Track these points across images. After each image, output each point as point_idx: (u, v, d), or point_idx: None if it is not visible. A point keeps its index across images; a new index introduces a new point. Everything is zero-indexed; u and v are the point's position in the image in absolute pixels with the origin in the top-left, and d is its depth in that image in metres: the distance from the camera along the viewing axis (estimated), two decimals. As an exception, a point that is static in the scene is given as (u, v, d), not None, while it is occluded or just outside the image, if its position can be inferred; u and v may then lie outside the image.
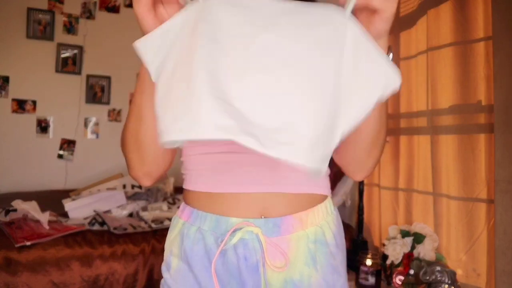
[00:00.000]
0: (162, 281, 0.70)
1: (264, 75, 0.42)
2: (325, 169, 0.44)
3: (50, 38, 3.04)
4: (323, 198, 0.69)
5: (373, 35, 0.47)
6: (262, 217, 0.63)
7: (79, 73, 3.14)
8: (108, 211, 2.04)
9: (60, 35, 3.08)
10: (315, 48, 0.42)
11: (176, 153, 0.69)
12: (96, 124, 3.22)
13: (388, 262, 1.72)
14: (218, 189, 0.65)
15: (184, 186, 0.72)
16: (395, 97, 1.97)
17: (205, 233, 0.64)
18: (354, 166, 0.68)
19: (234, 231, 0.61)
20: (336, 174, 2.21)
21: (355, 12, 0.46)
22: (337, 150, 0.60)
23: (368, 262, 1.67)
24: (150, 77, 0.52)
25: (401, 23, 1.92)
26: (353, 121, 0.45)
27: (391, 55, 0.60)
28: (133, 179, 0.71)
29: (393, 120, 1.98)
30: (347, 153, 0.64)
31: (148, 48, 0.49)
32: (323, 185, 0.70)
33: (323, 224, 0.67)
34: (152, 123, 0.58)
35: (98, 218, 1.91)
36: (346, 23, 0.43)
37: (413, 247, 1.69)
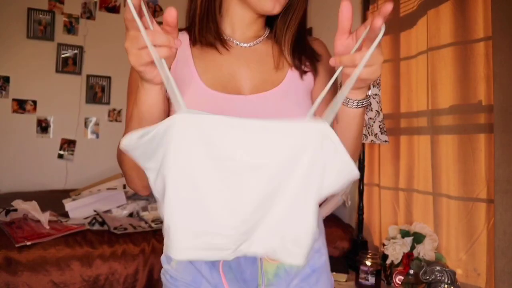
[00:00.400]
0: (163, 270, 0.77)
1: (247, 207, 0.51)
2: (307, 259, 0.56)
3: (51, 38, 3.04)
4: None
5: (357, 88, 0.58)
6: None
7: (79, 73, 3.14)
8: (108, 211, 2.05)
9: (61, 35, 3.09)
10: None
11: None
12: (96, 124, 3.22)
13: (388, 262, 1.72)
14: None
15: None
16: (395, 97, 1.97)
17: None
18: None
19: None
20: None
21: (343, 74, 0.56)
22: None
23: (368, 262, 1.67)
24: (146, 106, 0.58)
25: (401, 23, 1.92)
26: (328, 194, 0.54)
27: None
28: (133, 190, 0.76)
29: (393, 120, 1.98)
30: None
31: (133, 146, 0.49)
32: None
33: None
34: None
35: (98, 218, 1.91)
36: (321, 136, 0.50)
37: (413, 247, 1.69)
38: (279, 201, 0.51)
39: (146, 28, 0.49)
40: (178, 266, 0.75)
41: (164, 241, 0.74)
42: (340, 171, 0.51)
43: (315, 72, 0.79)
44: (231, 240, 0.51)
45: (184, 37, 0.77)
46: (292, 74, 0.77)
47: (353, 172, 0.52)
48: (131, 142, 0.48)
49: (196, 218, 0.50)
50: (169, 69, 0.51)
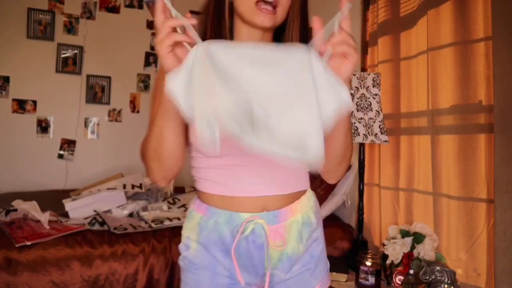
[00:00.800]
0: (181, 257, 0.89)
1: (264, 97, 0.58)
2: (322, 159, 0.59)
3: (51, 38, 3.04)
4: (304, 191, 0.91)
5: (341, 77, 0.64)
6: (264, 211, 0.83)
7: (79, 73, 3.14)
8: (108, 211, 2.05)
9: (61, 35, 3.09)
10: (297, 75, 0.60)
11: (185, 161, 0.85)
12: (96, 124, 3.22)
13: (388, 262, 1.72)
14: (229, 193, 0.84)
15: (198, 188, 0.90)
16: (396, 97, 1.97)
17: (221, 225, 0.83)
18: (328, 174, 0.90)
19: (247, 223, 0.81)
20: (336, 174, 2.20)
21: (328, 59, 0.64)
22: None
23: (368, 262, 1.67)
24: (171, 104, 0.64)
25: (402, 23, 1.92)
26: (329, 120, 0.61)
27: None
28: (151, 181, 0.86)
29: (394, 120, 1.98)
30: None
31: (177, 88, 0.60)
32: (304, 183, 0.91)
33: (307, 209, 0.89)
34: (172, 141, 0.76)
35: (98, 218, 1.91)
36: (310, 57, 0.61)
37: (413, 247, 1.69)
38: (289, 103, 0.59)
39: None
40: (196, 252, 0.86)
41: (182, 232, 0.90)
42: (329, 91, 0.60)
43: None
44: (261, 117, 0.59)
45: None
46: None
47: (342, 94, 0.61)
48: (175, 83, 0.60)
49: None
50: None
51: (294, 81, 0.59)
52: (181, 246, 0.90)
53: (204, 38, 0.78)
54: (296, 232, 0.85)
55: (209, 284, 0.84)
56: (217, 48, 0.60)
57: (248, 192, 0.84)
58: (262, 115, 0.57)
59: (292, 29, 0.85)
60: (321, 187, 2.14)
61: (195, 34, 0.64)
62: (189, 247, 0.87)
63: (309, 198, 0.91)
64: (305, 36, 0.85)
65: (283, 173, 0.86)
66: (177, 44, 0.65)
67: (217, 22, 0.83)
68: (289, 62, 0.60)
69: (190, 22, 0.65)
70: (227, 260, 0.84)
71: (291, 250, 0.85)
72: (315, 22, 0.66)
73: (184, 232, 0.90)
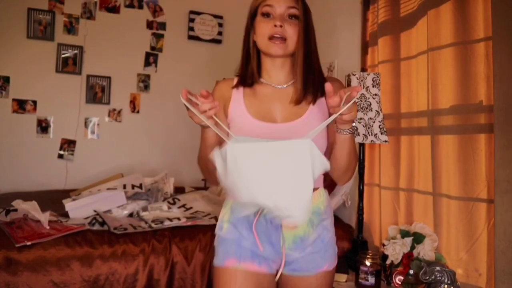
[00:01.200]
0: (216, 237, 1.10)
1: (270, 188, 0.82)
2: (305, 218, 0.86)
3: (51, 38, 3.04)
4: (317, 188, 1.10)
5: (342, 128, 0.94)
6: None
7: (79, 73, 3.14)
8: (108, 211, 2.05)
9: (61, 35, 3.09)
10: (299, 162, 0.81)
11: None
12: (97, 124, 3.22)
13: (388, 262, 1.72)
14: None
15: None
16: (396, 97, 1.97)
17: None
18: (336, 179, 1.10)
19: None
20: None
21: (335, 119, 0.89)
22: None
23: (368, 262, 1.67)
24: (210, 136, 0.99)
25: (402, 23, 1.92)
26: (315, 179, 0.84)
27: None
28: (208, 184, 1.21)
29: (394, 120, 1.98)
30: (329, 175, 1.08)
31: (217, 159, 0.83)
32: (318, 182, 1.09)
33: (318, 202, 1.07)
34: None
35: (98, 218, 1.91)
36: (308, 146, 0.81)
37: (412, 247, 1.69)
38: (290, 183, 0.82)
39: (196, 104, 0.89)
40: (227, 230, 1.06)
41: (219, 217, 1.12)
42: (320, 164, 0.83)
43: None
44: (264, 205, 0.84)
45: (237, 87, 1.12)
46: (312, 108, 1.06)
47: (327, 165, 0.84)
48: (216, 155, 0.83)
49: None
50: (217, 115, 0.91)
51: (297, 167, 0.82)
52: (216, 228, 1.11)
53: (243, 67, 1.11)
54: (307, 219, 1.02)
55: (235, 252, 1.04)
56: (239, 150, 0.83)
57: None
58: (272, 205, 0.82)
59: (297, 55, 1.05)
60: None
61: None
62: (222, 227, 1.08)
63: (321, 194, 1.09)
64: (308, 61, 1.06)
65: None
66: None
67: (247, 57, 1.10)
68: (294, 152, 0.82)
69: (207, 115, 0.88)
70: (250, 235, 1.03)
71: (303, 233, 1.03)
72: (327, 86, 0.84)
73: (220, 216, 1.11)
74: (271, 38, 1.02)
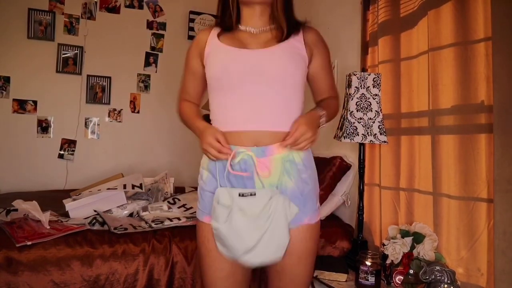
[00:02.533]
0: (199, 185, 1.16)
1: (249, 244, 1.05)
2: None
3: (51, 38, 3.05)
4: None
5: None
6: (255, 146, 1.06)
7: (79, 73, 3.15)
8: (109, 211, 2.05)
9: (61, 36, 3.09)
10: (276, 213, 1.05)
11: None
12: (97, 124, 3.23)
13: (388, 262, 1.72)
14: (228, 129, 1.08)
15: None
16: (396, 98, 1.97)
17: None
18: None
19: (237, 153, 1.05)
20: (336, 174, 2.21)
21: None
22: None
23: (368, 262, 1.67)
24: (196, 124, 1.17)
25: (402, 23, 1.92)
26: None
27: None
28: None
29: (394, 120, 1.98)
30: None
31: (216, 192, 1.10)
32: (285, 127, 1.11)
33: (293, 151, 1.08)
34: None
35: (99, 218, 1.91)
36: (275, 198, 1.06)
37: (412, 247, 1.69)
38: (267, 228, 1.04)
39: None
40: (206, 179, 1.12)
41: (203, 157, 1.16)
42: (291, 208, 1.07)
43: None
44: (242, 252, 1.06)
45: (215, 31, 1.19)
46: (285, 42, 1.12)
47: (295, 209, 1.08)
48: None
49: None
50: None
51: (274, 217, 1.04)
52: (199, 177, 1.16)
53: (221, 15, 1.17)
54: (280, 166, 1.07)
55: (211, 207, 1.09)
56: (226, 198, 1.06)
57: (241, 127, 1.07)
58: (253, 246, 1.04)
59: (277, 2, 1.11)
60: (321, 187, 2.14)
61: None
62: (202, 176, 1.14)
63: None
64: (287, 7, 1.14)
65: (274, 111, 1.07)
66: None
67: (224, 10, 1.16)
68: (273, 206, 1.04)
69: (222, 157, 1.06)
70: (227, 183, 1.07)
71: (279, 181, 1.07)
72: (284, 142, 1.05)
73: (201, 163, 1.15)
74: None
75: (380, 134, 1.83)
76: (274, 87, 1.06)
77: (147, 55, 3.37)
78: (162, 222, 1.92)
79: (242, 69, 1.06)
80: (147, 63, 3.38)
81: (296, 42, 1.13)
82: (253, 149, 1.05)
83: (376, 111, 1.84)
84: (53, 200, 2.29)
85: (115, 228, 1.81)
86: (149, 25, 3.37)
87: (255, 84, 1.06)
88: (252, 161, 1.04)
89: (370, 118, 1.84)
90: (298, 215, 1.09)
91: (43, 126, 3.06)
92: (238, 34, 1.15)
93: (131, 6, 3.32)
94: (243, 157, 1.04)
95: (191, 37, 3.43)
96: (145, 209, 2.10)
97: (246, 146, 1.05)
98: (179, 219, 1.97)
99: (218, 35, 1.15)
